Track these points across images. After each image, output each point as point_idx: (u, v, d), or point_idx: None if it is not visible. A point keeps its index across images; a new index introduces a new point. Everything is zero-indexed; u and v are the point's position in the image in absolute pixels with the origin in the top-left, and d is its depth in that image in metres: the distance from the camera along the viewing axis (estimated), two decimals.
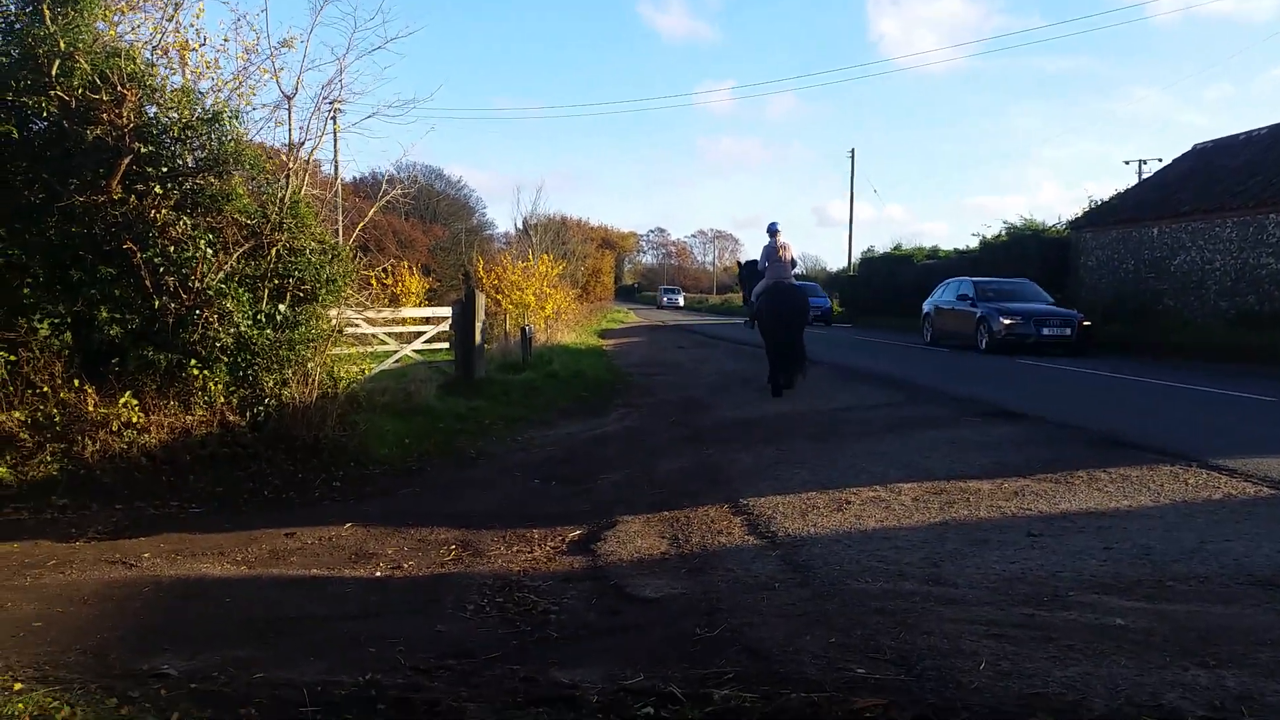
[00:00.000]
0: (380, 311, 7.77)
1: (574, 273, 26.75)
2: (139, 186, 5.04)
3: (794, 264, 8.85)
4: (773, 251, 8.98)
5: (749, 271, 10.20)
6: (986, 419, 5.98)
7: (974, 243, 21.21)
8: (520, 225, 31.36)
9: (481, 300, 8.67)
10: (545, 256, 17.16)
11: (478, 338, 8.46)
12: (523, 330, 11.08)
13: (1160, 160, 27.55)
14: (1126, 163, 49.74)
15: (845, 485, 4.28)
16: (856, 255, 33.70)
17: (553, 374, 9.62)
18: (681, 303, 49.56)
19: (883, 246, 28.11)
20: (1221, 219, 12.36)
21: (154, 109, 5.16)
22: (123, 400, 4.87)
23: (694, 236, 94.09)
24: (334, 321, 5.80)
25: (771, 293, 8.66)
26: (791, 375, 8.33)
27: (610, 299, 43.85)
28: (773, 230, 9.15)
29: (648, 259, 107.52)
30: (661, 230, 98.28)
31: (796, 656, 2.30)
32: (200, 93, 5.29)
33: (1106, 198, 16.98)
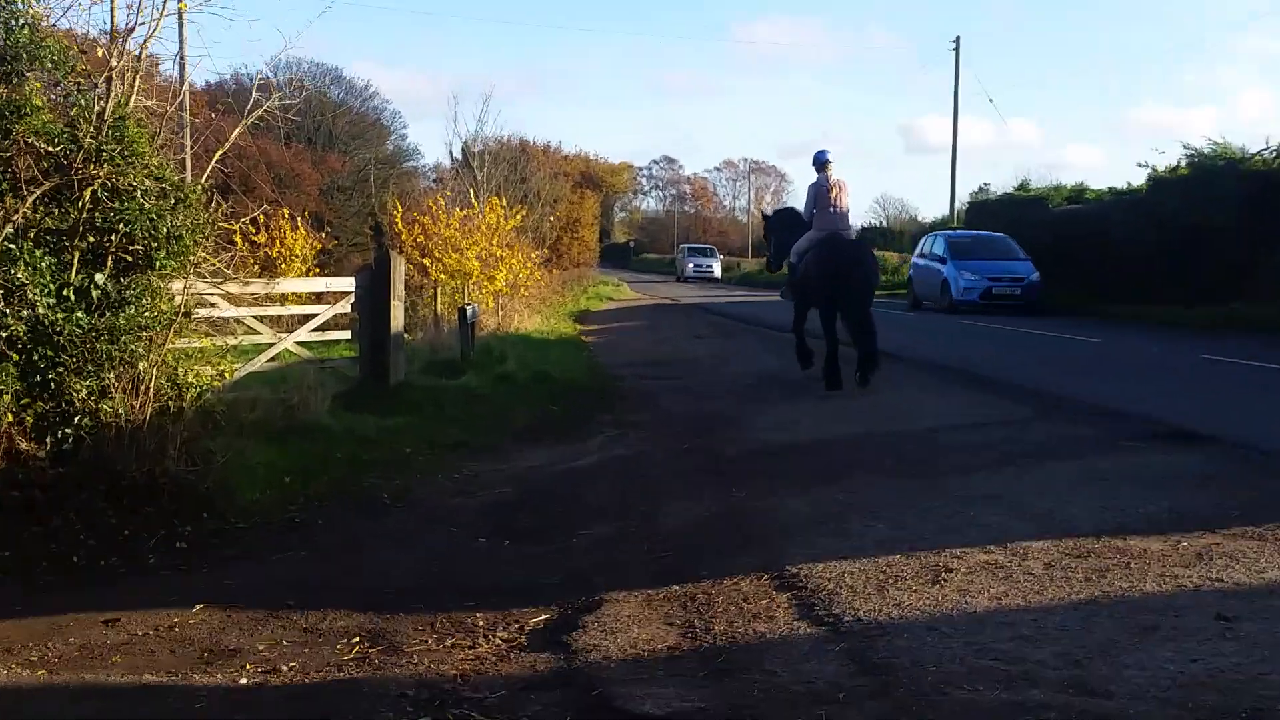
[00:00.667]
0: (248, 284, 7.62)
1: (538, 225, 26.99)
2: None
3: (847, 213, 9.37)
4: (822, 192, 9.44)
5: (782, 221, 10.65)
6: (1145, 441, 6.15)
7: (1139, 178, 21.47)
8: (458, 154, 31.50)
9: (400, 267, 8.69)
10: (495, 201, 17.25)
11: (395, 323, 8.48)
12: (462, 312, 11.11)
13: None
14: None
15: (944, 544, 4.21)
16: (963, 197, 34.45)
17: (506, 377, 9.67)
18: (718, 272, 47.15)
19: (1002, 183, 28.60)
20: None
21: None
22: None
23: (718, 170, 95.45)
24: (178, 300, 5.41)
25: (824, 248, 9.10)
26: (866, 371, 8.80)
27: (593, 263, 44.30)
28: (821, 162, 9.56)
29: (649, 204, 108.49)
30: (671, 162, 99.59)
31: None
32: None
33: None
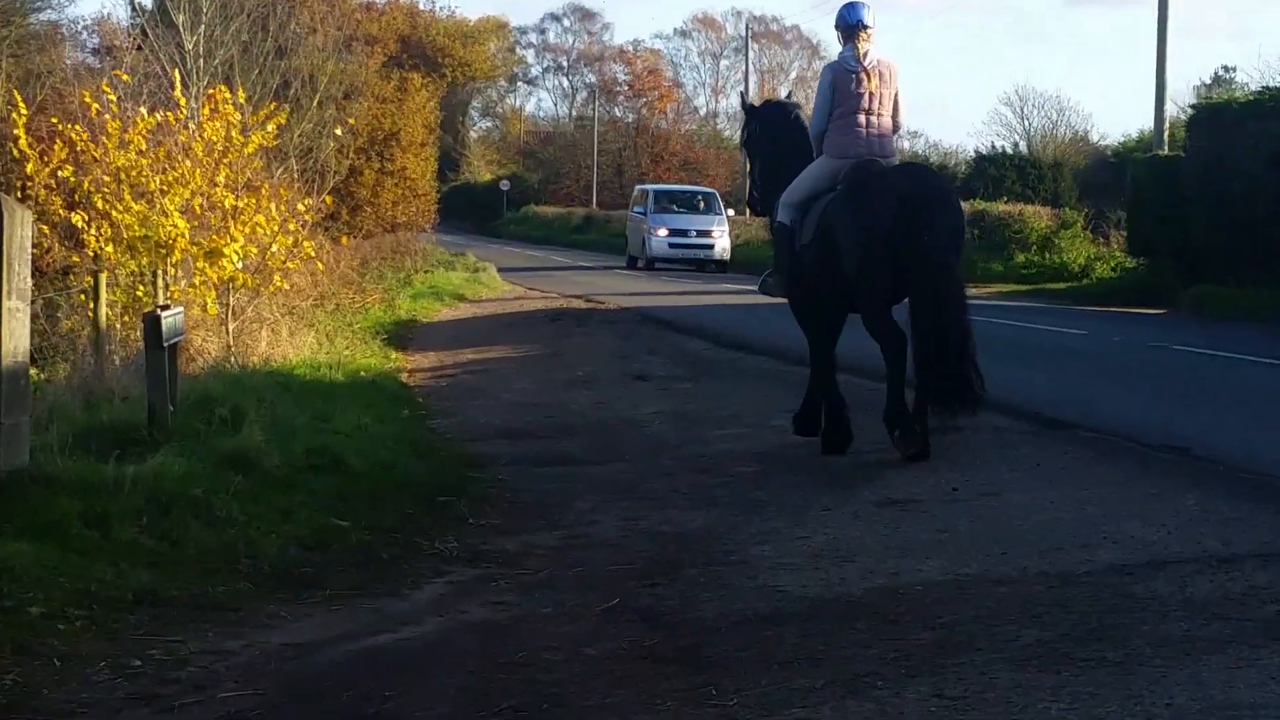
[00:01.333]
0: None
1: (313, 144, 27.00)
2: None
3: (897, 115, 10.33)
4: (844, 84, 10.16)
5: (776, 126, 11.26)
6: None
7: None
8: None
9: (21, 228, 8.60)
10: (223, 93, 17.23)
11: (6, 348, 8.36)
12: (154, 324, 11.04)
13: None
14: None
15: None
16: (1178, 107, 35.19)
17: (244, 459, 9.63)
18: (722, 248, 44.39)
19: (1256, 76, 29.47)
20: None
21: None
22: None
23: (684, 36, 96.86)
24: None
25: (859, 192, 9.74)
26: (960, 402, 9.59)
27: (428, 223, 44.24)
28: (851, 24, 10.26)
29: (543, 103, 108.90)
30: (586, 18, 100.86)
31: None
32: None
33: None
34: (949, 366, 9.47)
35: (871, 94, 10.08)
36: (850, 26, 10.24)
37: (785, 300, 10.90)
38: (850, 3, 10.16)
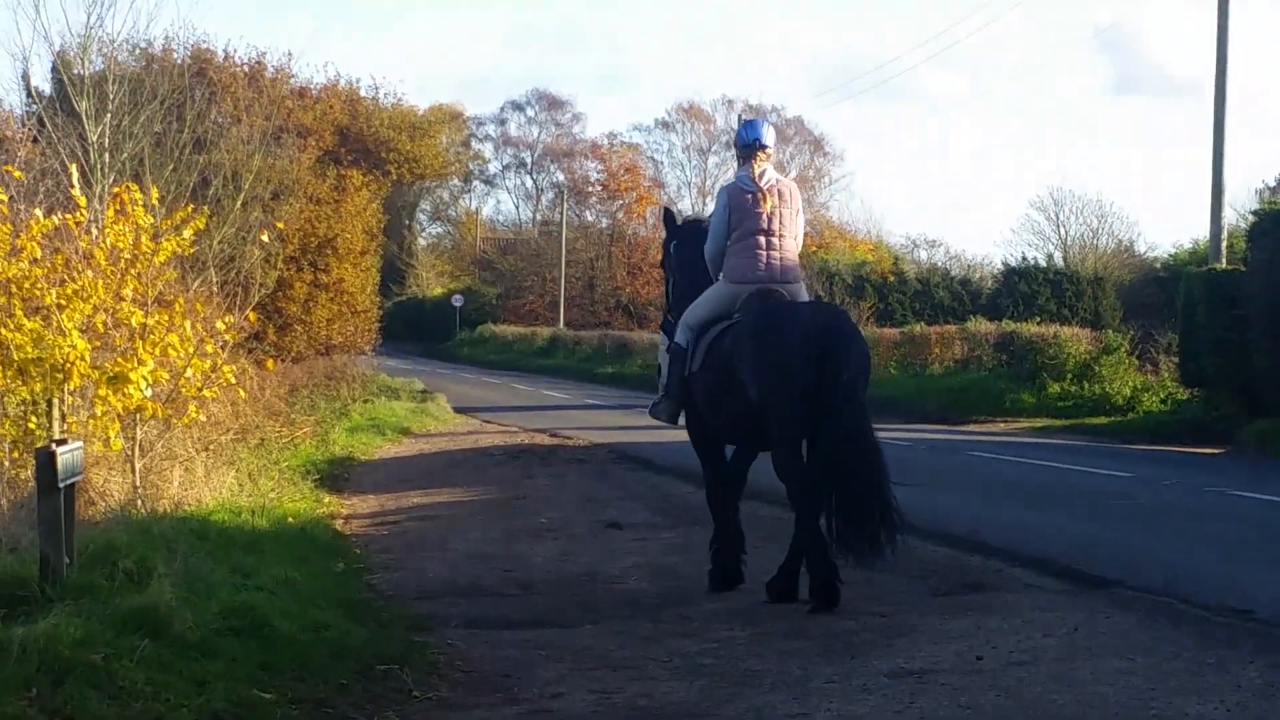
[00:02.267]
0: None
1: (234, 252, 27.11)
2: None
3: (791, 253, 11.47)
4: (742, 203, 11.33)
5: (686, 246, 12.28)
6: None
7: None
8: (44, 81, 31.63)
9: None
10: (133, 192, 17.35)
11: None
12: (47, 461, 11.06)
13: None
14: None
15: None
16: (1238, 213, 35.05)
17: (152, 619, 9.62)
18: None
19: None
20: None
21: None
22: None
23: (666, 127, 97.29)
24: None
25: (765, 321, 10.89)
26: (867, 547, 10.66)
27: (369, 344, 44.17)
28: (749, 143, 11.50)
29: (503, 206, 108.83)
30: (553, 106, 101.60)
31: None
32: None
33: None
34: (863, 504, 10.63)
35: (770, 214, 11.18)
36: (748, 146, 11.43)
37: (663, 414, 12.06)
38: (748, 121, 11.41)
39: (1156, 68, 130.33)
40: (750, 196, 11.25)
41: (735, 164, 11.51)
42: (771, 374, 10.69)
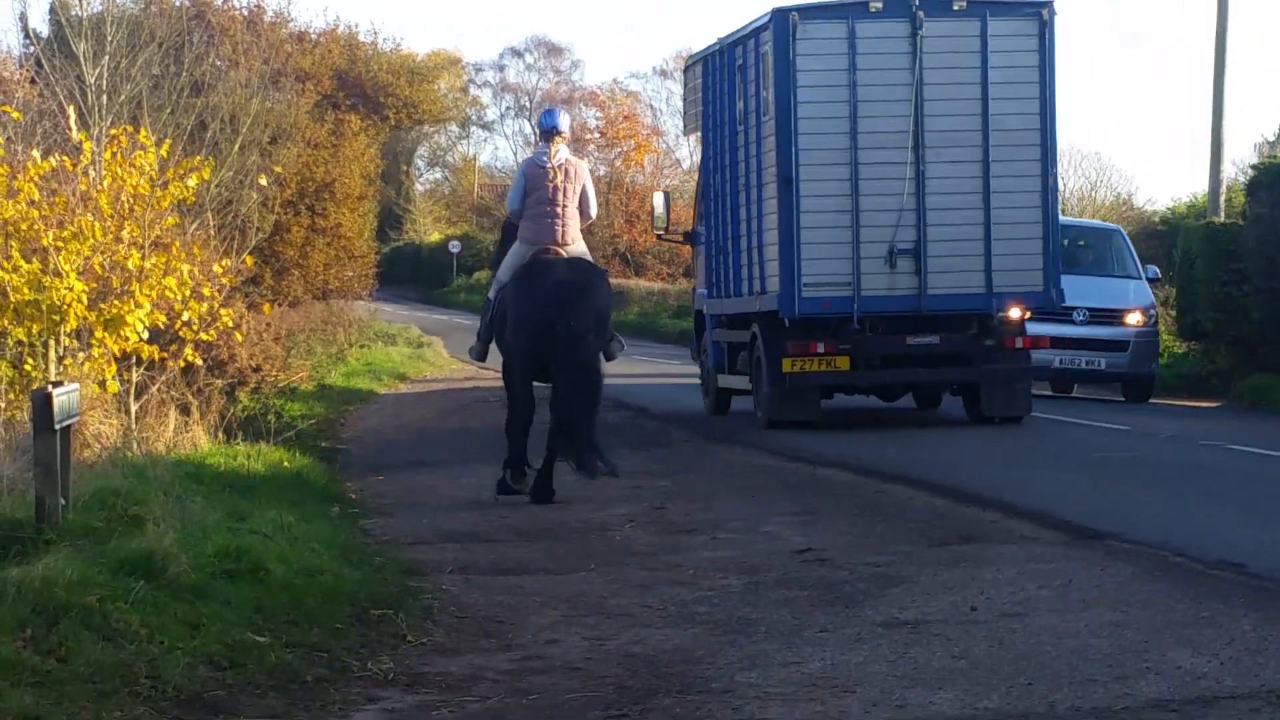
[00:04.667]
0: None
1: (233, 195, 27.06)
2: None
3: (585, 206, 14.35)
4: (536, 179, 14.24)
5: (507, 233, 15.44)
6: None
7: None
8: (41, 23, 31.57)
9: None
10: (130, 135, 17.31)
11: None
12: (43, 403, 11.04)
13: None
14: None
15: None
16: (1237, 167, 35.25)
17: (149, 562, 9.62)
18: (1138, 346, 28.09)
19: None
20: None
21: None
22: None
23: (664, 75, 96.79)
24: None
25: (526, 281, 14.09)
26: (580, 454, 13.82)
27: (366, 289, 44.13)
28: (548, 128, 14.48)
29: (501, 151, 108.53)
30: (552, 52, 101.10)
31: None
32: None
33: None
34: (572, 408, 13.74)
35: (557, 188, 13.92)
36: (546, 130, 14.42)
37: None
38: (548, 110, 14.54)
39: (1163, 20, 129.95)
40: (543, 171, 14.00)
41: (538, 142, 14.43)
42: (516, 320, 13.96)
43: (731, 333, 22.25)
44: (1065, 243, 24.40)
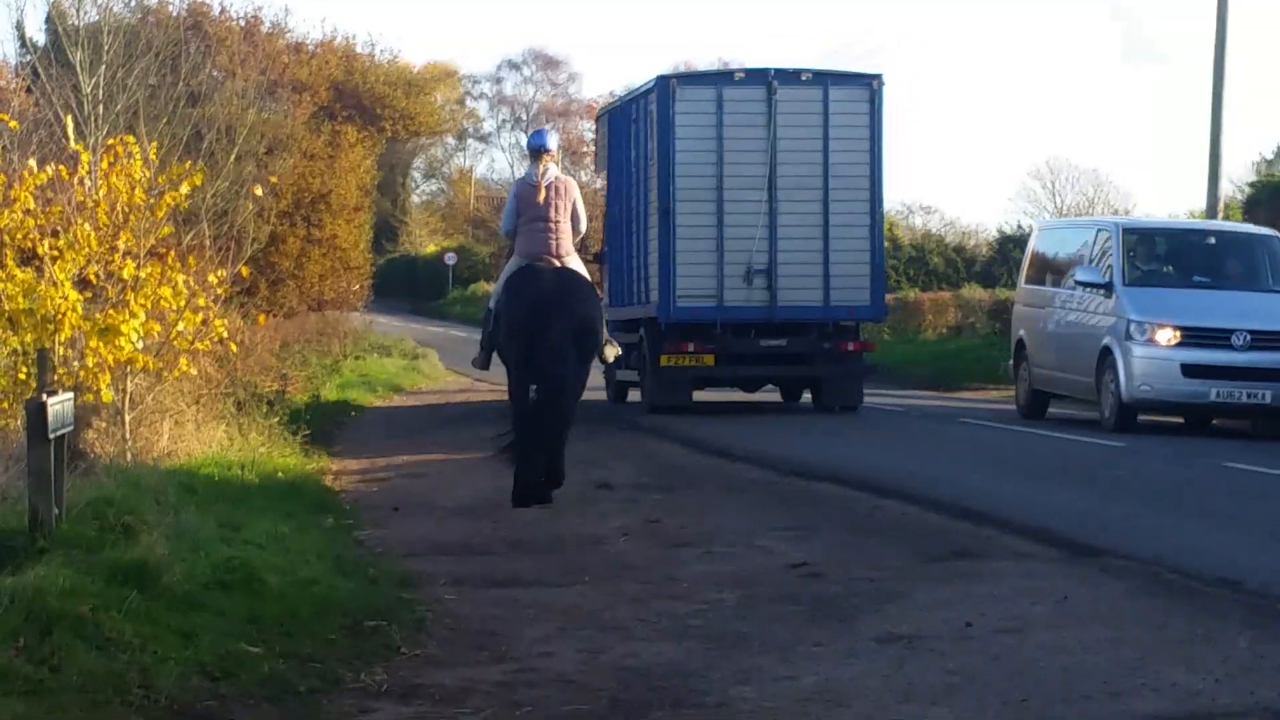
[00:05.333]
0: None
1: (228, 206, 27.07)
2: None
3: (576, 221, 14.91)
4: (526, 196, 14.84)
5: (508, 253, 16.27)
6: None
7: None
8: (38, 32, 31.56)
9: None
10: (129, 146, 17.31)
11: None
12: (38, 412, 11.04)
13: None
14: None
15: None
16: (1235, 185, 35.41)
17: (142, 573, 9.61)
18: None
19: None
20: None
21: None
22: None
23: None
24: None
25: (515, 288, 14.75)
26: (557, 465, 14.80)
27: (360, 300, 44.22)
28: (535, 148, 15.18)
29: (498, 163, 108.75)
30: (550, 65, 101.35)
31: None
32: None
33: None
34: (545, 424, 14.47)
35: (547, 204, 14.53)
36: (535, 150, 15.09)
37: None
38: (537, 130, 15.31)
39: (1161, 36, 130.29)
40: (532, 189, 14.64)
41: (529, 161, 15.13)
42: (507, 326, 14.66)
43: (626, 335, 25.30)
44: (1209, 249, 24.43)
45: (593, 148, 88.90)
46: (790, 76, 25.00)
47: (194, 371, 17.58)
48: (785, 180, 24.99)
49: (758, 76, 25.23)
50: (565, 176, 15.07)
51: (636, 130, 26.69)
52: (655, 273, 25.19)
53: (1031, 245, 27.30)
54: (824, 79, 25.55)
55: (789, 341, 25.33)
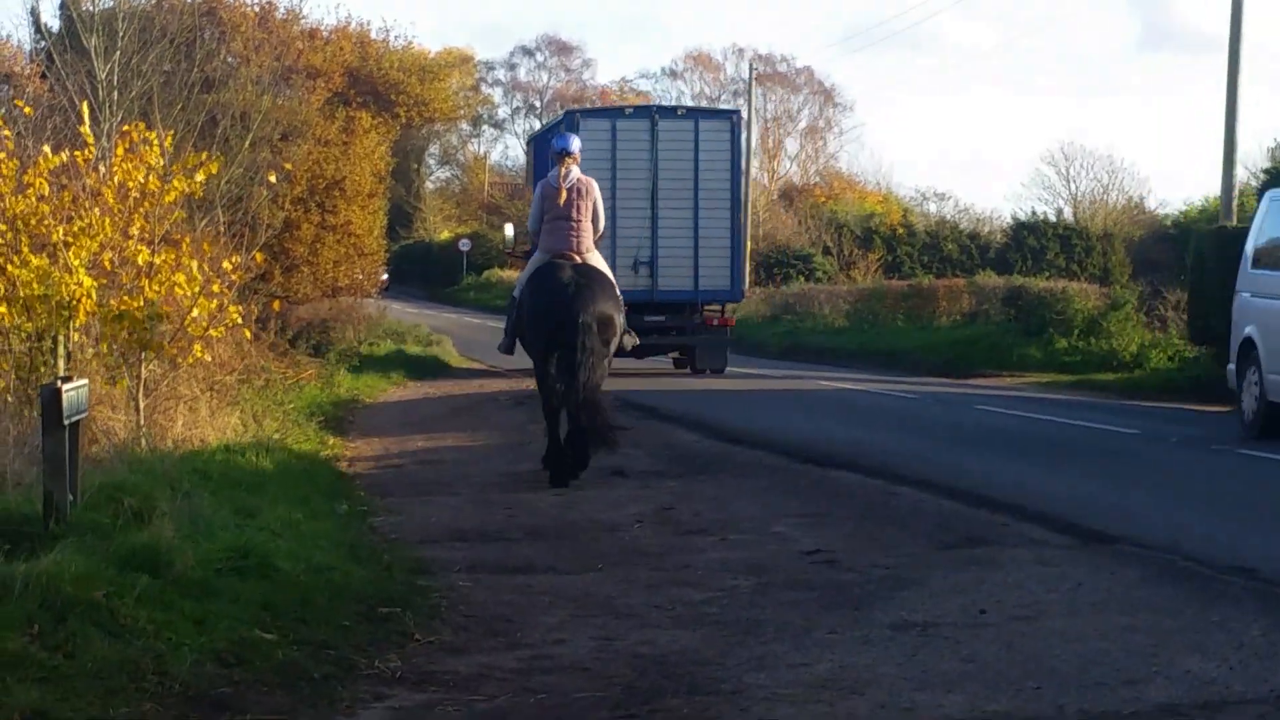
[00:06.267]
0: None
1: (243, 192, 27.08)
2: None
3: (596, 219, 15.89)
4: (551, 195, 15.80)
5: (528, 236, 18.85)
6: None
7: None
8: (53, 18, 31.55)
9: None
10: (141, 132, 17.31)
11: None
12: (53, 398, 11.05)
13: None
14: None
15: None
16: (1250, 171, 35.39)
17: (153, 557, 9.63)
18: None
19: None
20: None
21: None
22: None
23: (675, 76, 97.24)
24: None
25: (538, 282, 15.65)
26: (581, 449, 15.53)
27: (375, 287, 44.23)
28: (560, 150, 16.05)
29: (512, 150, 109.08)
30: (563, 51, 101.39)
31: None
32: None
33: None
34: (576, 416, 15.20)
35: (568, 204, 15.49)
36: (558, 153, 15.97)
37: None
38: (560, 135, 16.44)
39: (1180, 23, 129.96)
40: (557, 191, 15.55)
41: (552, 164, 16.18)
42: (530, 315, 15.58)
43: None
44: None
45: None
46: (669, 112, 32.67)
47: (208, 358, 17.58)
48: (664, 192, 31.72)
49: (644, 111, 32.51)
50: (586, 178, 15.89)
51: (552, 153, 31.21)
52: None
53: (1261, 219, 21.42)
54: (695, 114, 36.21)
55: (667, 318, 32.43)
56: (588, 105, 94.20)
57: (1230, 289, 25.77)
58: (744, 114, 34.71)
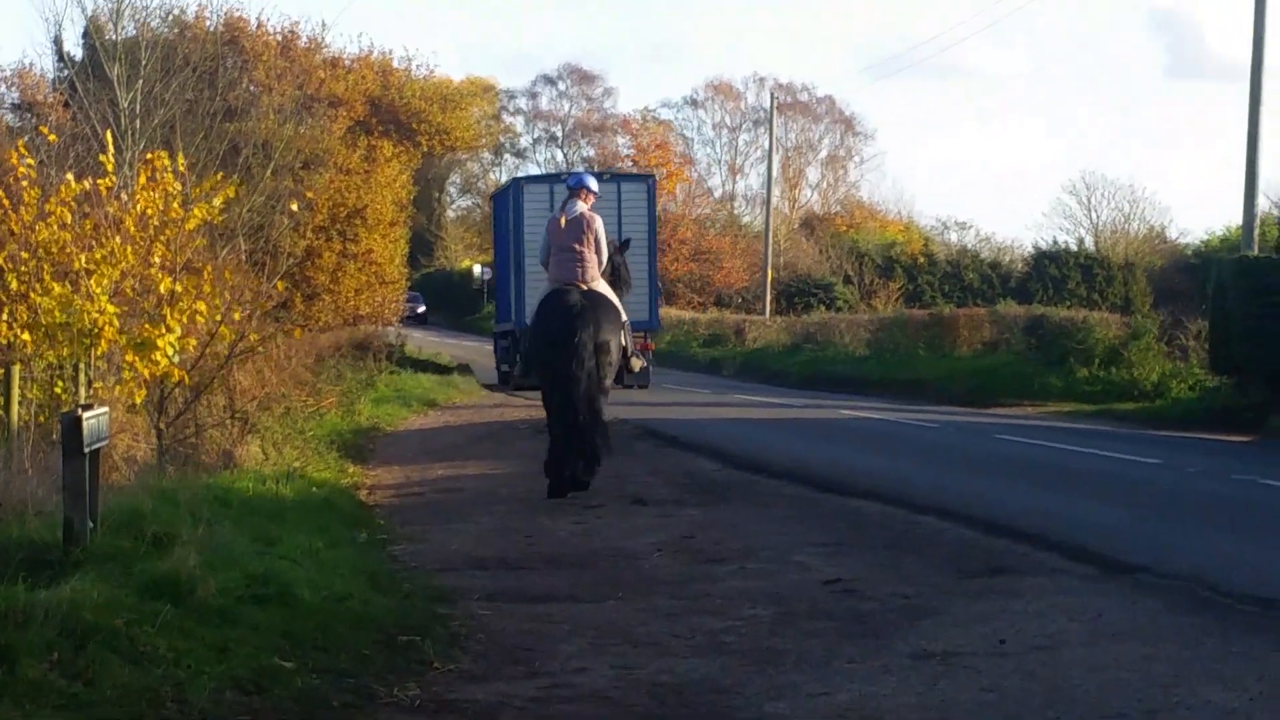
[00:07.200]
0: None
1: (264, 220, 27.11)
2: None
3: (607, 250, 16.87)
4: (552, 227, 17.00)
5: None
6: None
7: None
8: (75, 47, 31.64)
9: None
10: (163, 160, 17.38)
11: None
12: (73, 426, 11.08)
13: None
14: None
15: None
16: (1271, 201, 35.40)
17: (174, 586, 9.64)
18: None
19: None
20: None
21: None
22: None
23: (695, 106, 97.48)
24: None
25: (546, 307, 16.68)
26: (590, 461, 16.45)
27: (395, 315, 44.41)
28: (574, 186, 17.52)
29: (535, 187, 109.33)
30: (585, 80, 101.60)
31: None
32: None
33: None
34: (580, 431, 16.11)
35: (571, 236, 16.44)
36: (573, 188, 17.31)
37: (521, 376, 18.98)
38: (575, 173, 18.29)
39: (1210, 50, 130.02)
40: (556, 223, 16.76)
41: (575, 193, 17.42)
42: (532, 340, 16.98)
43: (503, 340, 39.28)
44: None
45: (628, 163, 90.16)
46: (597, 177, 32.73)
47: (230, 385, 17.61)
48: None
49: (575, 179, 36.20)
50: (591, 213, 16.86)
51: (505, 211, 39.44)
52: (514, 299, 37.00)
53: None
54: (618, 178, 41.34)
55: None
56: (608, 125, 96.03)
57: (1251, 318, 25.82)
58: (656, 179, 44.19)
